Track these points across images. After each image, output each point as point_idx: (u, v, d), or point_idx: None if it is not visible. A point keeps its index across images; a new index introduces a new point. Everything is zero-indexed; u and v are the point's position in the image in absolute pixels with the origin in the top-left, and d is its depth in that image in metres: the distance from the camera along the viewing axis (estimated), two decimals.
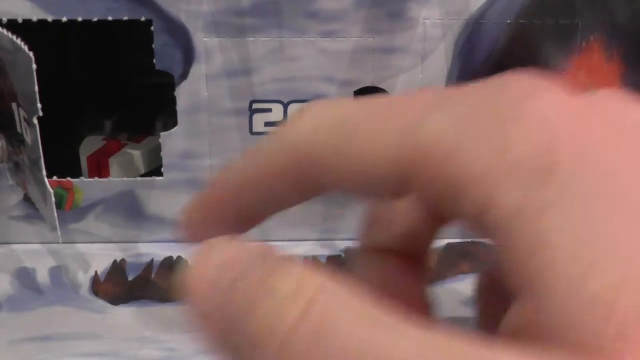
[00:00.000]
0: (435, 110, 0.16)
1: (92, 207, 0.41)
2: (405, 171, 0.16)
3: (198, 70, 0.37)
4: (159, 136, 0.39)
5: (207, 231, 0.18)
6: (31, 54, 0.32)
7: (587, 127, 0.14)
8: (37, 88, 0.33)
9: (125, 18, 0.36)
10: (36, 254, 0.41)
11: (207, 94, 0.38)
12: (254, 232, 0.19)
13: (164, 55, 0.37)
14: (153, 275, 0.39)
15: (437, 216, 0.18)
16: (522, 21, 0.37)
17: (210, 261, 0.15)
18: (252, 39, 0.37)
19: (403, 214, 0.20)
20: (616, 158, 0.14)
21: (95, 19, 0.36)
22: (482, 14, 0.37)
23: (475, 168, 0.15)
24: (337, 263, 0.41)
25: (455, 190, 0.15)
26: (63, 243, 0.42)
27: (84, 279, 0.40)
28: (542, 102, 0.15)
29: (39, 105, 0.33)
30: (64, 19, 0.36)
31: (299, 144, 0.17)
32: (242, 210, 0.19)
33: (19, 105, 0.35)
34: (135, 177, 0.41)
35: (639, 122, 0.15)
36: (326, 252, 0.41)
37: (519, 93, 0.16)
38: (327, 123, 0.17)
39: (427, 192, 0.16)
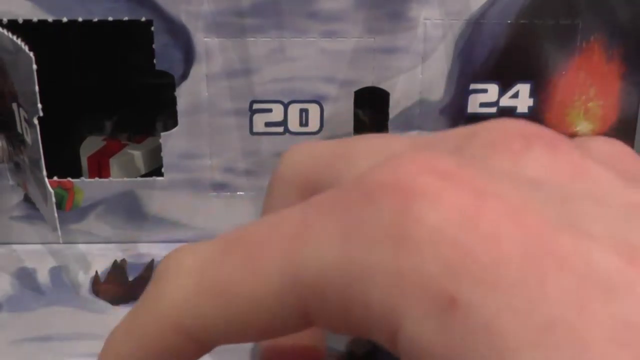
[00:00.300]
0: (308, 241, 0.14)
1: (92, 207, 0.41)
2: (302, 311, 0.15)
3: (198, 70, 0.37)
4: (159, 136, 0.39)
5: None
6: (31, 54, 0.32)
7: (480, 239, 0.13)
8: (37, 88, 0.33)
9: (126, 18, 0.36)
10: (36, 254, 0.41)
11: (207, 94, 0.38)
12: None
13: (164, 56, 0.37)
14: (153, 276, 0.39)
15: None
16: (522, 21, 0.37)
17: None
18: (252, 39, 0.37)
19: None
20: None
21: (96, 19, 0.36)
22: (482, 14, 0.37)
23: (375, 298, 0.13)
24: None
25: (358, 321, 0.14)
26: (63, 243, 0.42)
27: (84, 279, 0.40)
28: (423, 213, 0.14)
29: (39, 105, 0.33)
30: (64, 19, 0.36)
31: (177, 319, 0.16)
32: None
33: (19, 105, 0.35)
34: (136, 177, 0.41)
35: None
36: None
37: (395, 205, 0.14)
38: (200, 285, 0.16)
39: (330, 324, 0.15)
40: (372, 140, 0.18)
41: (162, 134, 0.39)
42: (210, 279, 0.16)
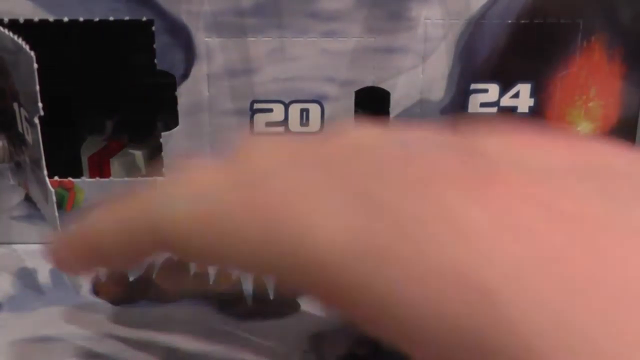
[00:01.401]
0: (314, 211, 0.16)
1: (93, 207, 0.41)
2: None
3: (199, 70, 0.37)
4: (160, 136, 0.39)
5: (73, 266, 0.20)
6: (32, 53, 0.33)
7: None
8: (38, 87, 0.33)
9: (127, 18, 0.36)
10: (37, 253, 0.41)
11: (208, 93, 0.38)
12: None
13: (165, 55, 0.37)
14: (154, 276, 0.39)
15: None
16: (523, 21, 0.37)
17: None
18: (253, 38, 0.37)
19: None
20: None
21: (97, 19, 0.36)
22: (483, 13, 0.37)
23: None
24: None
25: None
26: None
27: (85, 279, 0.39)
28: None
29: (40, 105, 0.33)
30: (65, 19, 0.36)
31: (162, 229, 0.19)
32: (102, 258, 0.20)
33: (20, 105, 0.35)
34: (137, 177, 0.41)
35: None
36: None
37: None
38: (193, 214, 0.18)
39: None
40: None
41: (163, 133, 0.39)
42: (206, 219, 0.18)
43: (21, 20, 0.36)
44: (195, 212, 0.17)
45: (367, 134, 0.18)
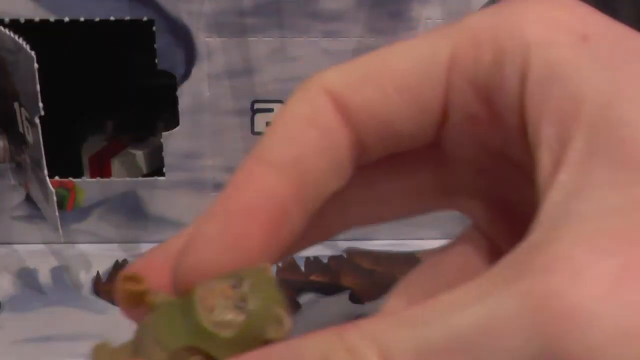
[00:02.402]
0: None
1: (93, 207, 0.41)
2: (448, 58, 0.16)
3: (200, 70, 0.37)
4: (160, 136, 0.39)
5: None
6: (33, 53, 0.33)
7: None
8: (38, 88, 0.33)
9: (127, 18, 0.36)
10: (38, 254, 0.41)
11: (208, 93, 0.38)
12: None
13: (165, 55, 0.37)
14: None
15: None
16: None
17: None
18: (254, 38, 0.37)
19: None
20: None
21: (97, 19, 0.36)
22: None
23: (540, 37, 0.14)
24: (339, 263, 0.41)
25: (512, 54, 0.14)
26: (65, 243, 0.42)
27: (86, 279, 0.40)
28: None
29: (41, 105, 0.33)
30: (66, 19, 0.36)
31: (328, 86, 0.16)
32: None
33: (20, 105, 0.35)
34: (137, 177, 0.41)
35: None
36: (328, 252, 0.41)
37: None
38: (348, 70, 0.16)
39: (472, 73, 0.15)
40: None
41: (163, 133, 0.39)
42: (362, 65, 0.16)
43: (22, 20, 0.36)
44: None
45: None
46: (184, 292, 0.15)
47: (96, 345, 0.16)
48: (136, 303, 0.16)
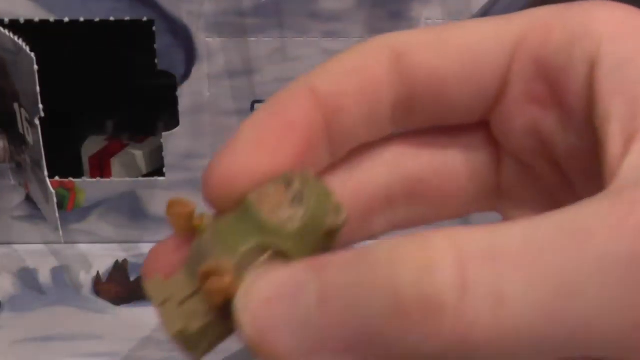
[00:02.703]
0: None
1: (93, 207, 0.41)
2: (513, 42, 0.17)
3: (200, 70, 0.37)
4: (160, 136, 0.39)
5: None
6: (33, 54, 0.33)
7: None
8: (38, 88, 0.33)
9: (127, 18, 0.36)
10: (38, 254, 0.41)
11: (208, 93, 0.38)
12: None
13: (165, 56, 0.37)
14: None
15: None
16: None
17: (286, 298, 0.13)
18: (254, 38, 0.37)
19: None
20: None
21: (97, 19, 0.36)
22: (484, 13, 0.37)
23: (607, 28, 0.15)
24: None
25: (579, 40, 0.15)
26: (65, 243, 0.42)
27: (86, 279, 0.40)
28: None
29: (41, 106, 0.33)
30: (66, 19, 0.36)
31: (395, 44, 0.17)
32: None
33: (20, 106, 0.35)
34: (137, 177, 0.41)
35: None
36: None
37: None
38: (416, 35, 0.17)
39: (539, 53, 0.16)
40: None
41: (163, 133, 0.39)
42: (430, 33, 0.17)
43: (22, 20, 0.36)
44: None
45: None
46: (232, 206, 0.16)
47: (148, 280, 0.17)
48: (187, 226, 0.17)
